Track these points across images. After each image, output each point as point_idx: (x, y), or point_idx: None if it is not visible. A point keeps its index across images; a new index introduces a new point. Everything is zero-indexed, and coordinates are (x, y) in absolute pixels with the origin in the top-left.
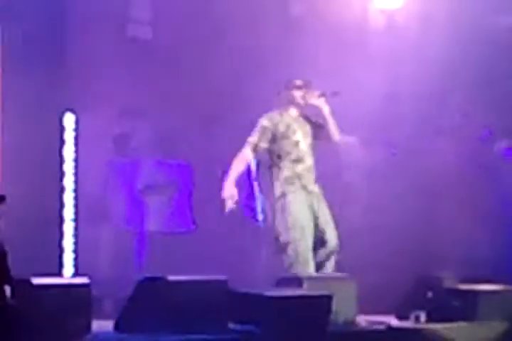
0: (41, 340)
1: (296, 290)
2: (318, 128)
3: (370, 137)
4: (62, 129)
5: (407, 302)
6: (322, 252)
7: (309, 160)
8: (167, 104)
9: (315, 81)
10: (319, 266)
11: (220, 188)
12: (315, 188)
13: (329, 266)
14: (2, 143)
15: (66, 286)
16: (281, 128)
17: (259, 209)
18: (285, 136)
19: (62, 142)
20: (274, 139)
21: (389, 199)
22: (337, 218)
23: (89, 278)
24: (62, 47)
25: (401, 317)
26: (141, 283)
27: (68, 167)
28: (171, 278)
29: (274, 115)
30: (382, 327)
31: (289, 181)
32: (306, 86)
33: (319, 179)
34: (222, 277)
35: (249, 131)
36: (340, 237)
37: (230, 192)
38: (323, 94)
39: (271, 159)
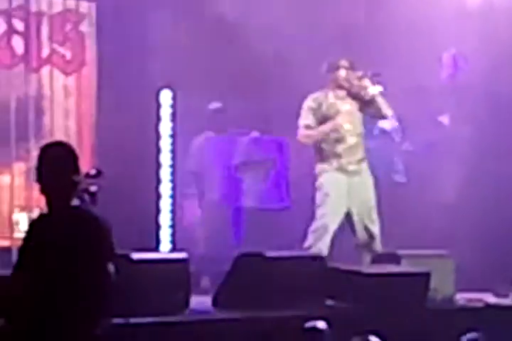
0: (140, 315)
1: (394, 267)
2: (368, 105)
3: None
4: (158, 106)
5: (506, 280)
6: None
7: (351, 140)
8: (263, 81)
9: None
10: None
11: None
12: (358, 168)
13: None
14: (98, 120)
15: (165, 261)
16: (325, 108)
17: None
18: (328, 117)
19: (158, 119)
20: (320, 119)
21: (486, 172)
22: (433, 192)
23: (187, 253)
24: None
25: (499, 294)
26: (239, 259)
27: (165, 143)
28: (269, 254)
29: (318, 96)
30: (480, 304)
31: (325, 161)
32: (350, 67)
33: None
34: (318, 253)
35: None
36: (437, 212)
37: None
38: (365, 76)
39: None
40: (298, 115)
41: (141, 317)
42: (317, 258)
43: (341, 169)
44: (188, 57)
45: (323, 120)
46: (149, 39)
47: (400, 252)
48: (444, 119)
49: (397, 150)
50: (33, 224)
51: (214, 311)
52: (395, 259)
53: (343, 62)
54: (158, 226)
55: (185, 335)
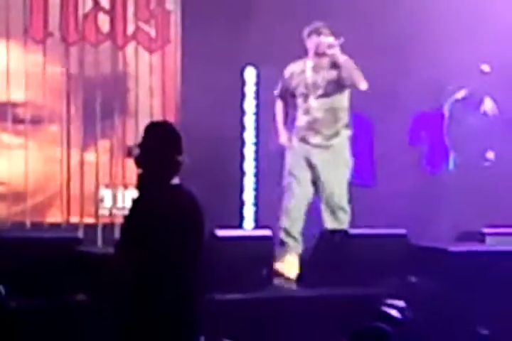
0: (225, 291)
1: (479, 245)
2: (344, 76)
3: None
4: (243, 83)
5: None
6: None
7: (318, 113)
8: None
9: None
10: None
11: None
12: (325, 143)
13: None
14: (182, 98)
15: (249, 238)
16: (296, 78)
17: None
18: (297, 87)
19: (243, 96)
20: (289, 90)
21: None
22: None
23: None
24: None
25: None
26: (323, 236)
27: (249, 121)
28: (352, 231)
29: (294, 65)
30: None
31: (294, 132)
32: (320, 33)
33: None
34: (401, 231)
35: (433, 87)
36: None
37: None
38: (332, 45)
39: None
40: (385, 91)
41: (226, 293)
42: (400, 236)
43: (304, 140)
44: (273, 34)
45: (294, 89)
46: (235, 16)
47: (485, 230)
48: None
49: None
50: (136, 202)
51: (297, 288)
52: (480, 237)
53: (310, 28)
54: (242, 204)
55: (269, 312)
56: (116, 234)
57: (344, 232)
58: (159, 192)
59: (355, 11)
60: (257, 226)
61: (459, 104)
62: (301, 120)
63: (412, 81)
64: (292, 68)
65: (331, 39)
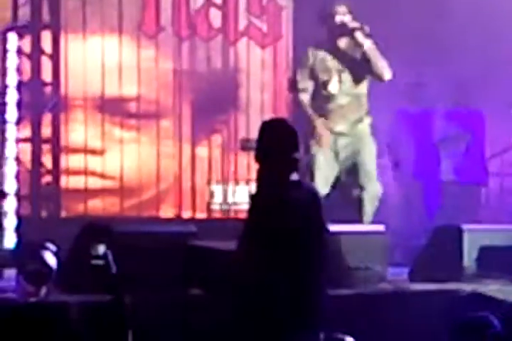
0: (337, 286)
1: None
2: (369, 64)
3: None
4: None
5: None
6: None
7: (343, 99)
8: (456, 53)
9: None
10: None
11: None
12: (349, 130)
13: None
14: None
15: (364, 233)
16: (318, 64)
17: None
18: (321, 72)
19: None
20: (310, 76)
21: None
22: None
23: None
24: None
25: None
26: (437, 232)
27: None
28: (465, 226)
29: (316, 51)
30: None
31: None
32: (335, 13)
33: None
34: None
35: None
36: None
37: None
38: (361, 28)
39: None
40: (496, 85)
41: (341, 288)
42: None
43: (329, 129)
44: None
45: (313, 77)
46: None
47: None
48: None
49: None
50: (257, 198)
51: (410, 283)
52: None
53: (341, 8)
54: None
55: (384, 306)
56: (227, 228)
57: (457, 227)
58: (280, 189)
59: None
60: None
61: None
62: (324, 107)
63: None
64: (314, 54)
65: (347, 18)
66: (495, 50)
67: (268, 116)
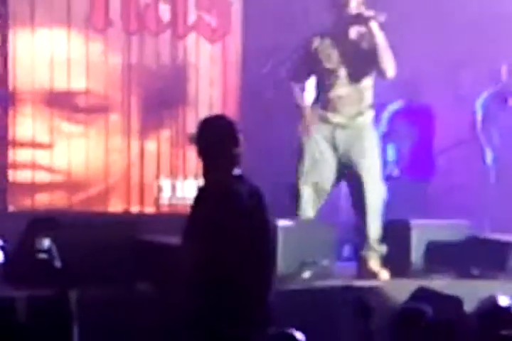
0: (285, 281)
1: None
2: (372, 56)
3: None
4: None
5: None
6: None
7: (343, 90)
8: (415, 47)
9: None
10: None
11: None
12: (349, 123)
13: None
14: (243, 89)
15: (311, 228)
16: (321, 53)
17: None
18: (324, 60)
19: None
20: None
21: None
22: None
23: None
24: None
25: None
26: (384, 227)
27: None
28: (413, 222)
29: (317, 38)
30: None
31: (313, 110)
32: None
33: None
34: (464, 222)
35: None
36: None
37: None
38: (375, 17)
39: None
40: (447, 80)
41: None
42: (462, 227)
43: (326, 120)
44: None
45: (315, 65)
46: (294, 7)
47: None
48: None
49: None
50: (200, 194)
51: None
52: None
53: None
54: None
55: (333, 302)
56: (176, 223)
57: (404, 222)
58: (223, 183)
59: None
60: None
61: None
62: (323, 97)
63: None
64: (316, 42)
65: (363, 9)
66: (445, 49)
67: (217, 111)
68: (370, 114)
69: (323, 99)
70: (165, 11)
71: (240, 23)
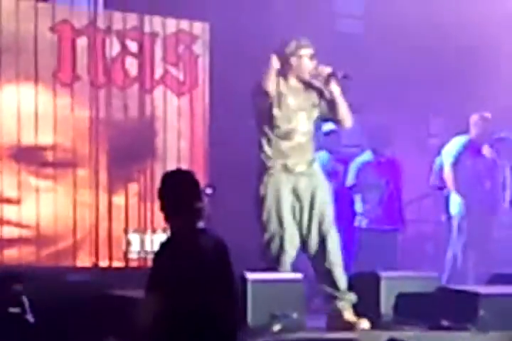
0: (255, 334)
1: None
2: (331, 107)
3: None
4: None
5: None
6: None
7: (301, 138)
8: (380, 99)
9: None
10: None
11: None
12: (308, 170)
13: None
14: (211, 141)
15: (280, 281)
16: (276, 96)
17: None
18: (277, 106)
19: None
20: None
21: None
22: None
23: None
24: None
25: None
26: (353, 279)
27: None
28: (383, 273)
29: (273, 84)
30: None
31: (270, 160)
32: (312, 57)
33: None
34: (433, 274)
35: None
36: None
37: None
38: (333, 74)
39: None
40: (411, 133)
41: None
42: (432, 278)
43: (287, 170)
44: None
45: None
46: (262, 59)
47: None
48: None
49: None
50: (163, 247)
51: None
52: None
53: (308, 50)
54: None
55: None
56: (145, 277)
57: (375, 274)
58: (184, 237)
59: None
60: None
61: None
62: (282, 145)
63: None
64: (272, 89)
65: (328, 69)
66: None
67: (185, 164)
68: (316, 159)
69: (282, 148)
70: (132, 65)
71: (207, 75)
